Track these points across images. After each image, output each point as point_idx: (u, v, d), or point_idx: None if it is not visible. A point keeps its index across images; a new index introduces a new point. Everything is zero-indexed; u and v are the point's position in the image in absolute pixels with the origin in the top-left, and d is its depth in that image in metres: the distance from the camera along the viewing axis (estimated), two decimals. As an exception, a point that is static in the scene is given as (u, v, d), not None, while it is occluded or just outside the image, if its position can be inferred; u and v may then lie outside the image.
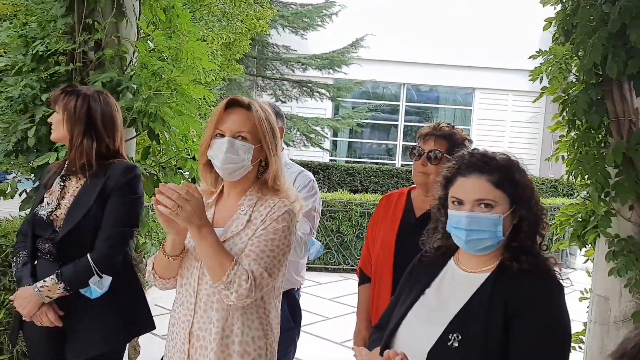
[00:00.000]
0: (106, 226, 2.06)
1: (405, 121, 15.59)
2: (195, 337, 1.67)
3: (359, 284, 2.50)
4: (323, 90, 12.69)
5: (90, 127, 2.10)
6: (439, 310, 1.45)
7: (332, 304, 5.94)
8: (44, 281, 2.01)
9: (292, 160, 2.91)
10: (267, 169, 1.74)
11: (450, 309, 1.43)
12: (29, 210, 2.85)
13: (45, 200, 2.15)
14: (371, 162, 14.71)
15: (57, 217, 2.08)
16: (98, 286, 1.99)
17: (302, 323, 5.05)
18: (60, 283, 1.99)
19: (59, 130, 2.12)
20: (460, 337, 1.36)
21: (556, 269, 1.44)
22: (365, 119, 14.03)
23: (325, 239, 7.41)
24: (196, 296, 1.68)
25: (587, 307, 3.43)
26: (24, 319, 2.07)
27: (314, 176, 2.82)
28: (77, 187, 2.11)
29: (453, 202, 1.45)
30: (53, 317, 2.03)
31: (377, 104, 15.01)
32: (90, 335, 2.08)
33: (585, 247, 3.43)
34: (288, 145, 12.34)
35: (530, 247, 1.44)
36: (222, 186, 1.82)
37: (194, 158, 3.02)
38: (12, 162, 2.93)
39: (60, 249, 2.05)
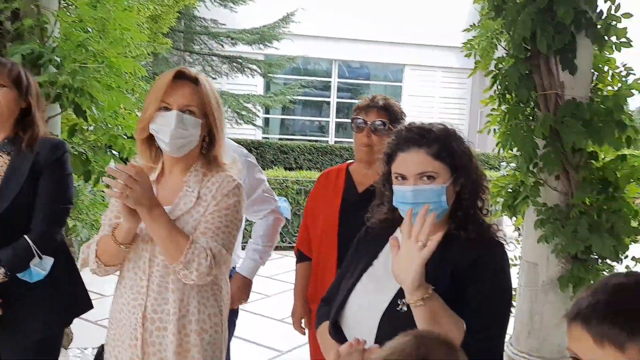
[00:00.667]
0: (41, 205, 1.93)
1: (337, 98, 15.64)
2: (150, 321, 1.61)
3: (297, 262, 2.49)
4: (254, 67, 12.45)
5: (34, 99, 1.98)
6: (388, 280, 1.45)
7: (270, 282, 5.93)
8: None
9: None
10: (211, 144, 1.69)
11: (395, 282, 1.44)
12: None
13: None
14: (304, 140, 14.69)
15: None
16: (40, 267, 1.87)
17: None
18: (0, 268, 1.85)
19: (10, 107, 1.94)
20: (408, 305, 1.37)
21: (499, 234, 1.48)
22: (297, 96, 13.94)
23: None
24: (148, 279, 1.62)
25: (517, 273, 3.61)
26: None
27: None
28: (2, 166, 1.95)
29: (396, 177, 1.46)
30: None
31: (309, 81, 14.94)
32: (30, 321, 1.96)
33: (516, 216, 3.59)
34: (219, 123, 12.10)
35: (474, 214, 1.47)
36: (163, 163, 1.75)
37: (126, 136, 2.87)
38: None
39: None
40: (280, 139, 14.65)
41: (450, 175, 1.44)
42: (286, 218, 2.66)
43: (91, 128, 2.96)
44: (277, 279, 6.01)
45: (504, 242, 1.48)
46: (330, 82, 15.54)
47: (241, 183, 1.73)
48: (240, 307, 4.93)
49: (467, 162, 1.47)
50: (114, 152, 2.95)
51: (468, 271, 1.39)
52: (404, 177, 1.44)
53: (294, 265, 2.51)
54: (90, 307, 2.16)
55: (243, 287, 2.44)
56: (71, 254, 2.16)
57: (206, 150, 1.72)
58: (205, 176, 1.70)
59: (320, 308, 1.68)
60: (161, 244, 1.59)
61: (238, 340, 4.13)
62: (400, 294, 1.41)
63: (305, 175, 7.85)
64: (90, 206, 3.11)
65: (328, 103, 15.78)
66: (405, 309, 1.38)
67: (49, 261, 1.91)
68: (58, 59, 2.60)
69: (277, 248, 7.57)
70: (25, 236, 1.89)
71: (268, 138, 14.87)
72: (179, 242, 1.56)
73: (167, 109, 1.63)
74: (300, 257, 2.46)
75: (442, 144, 1.44)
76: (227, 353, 2.60)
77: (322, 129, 16.26)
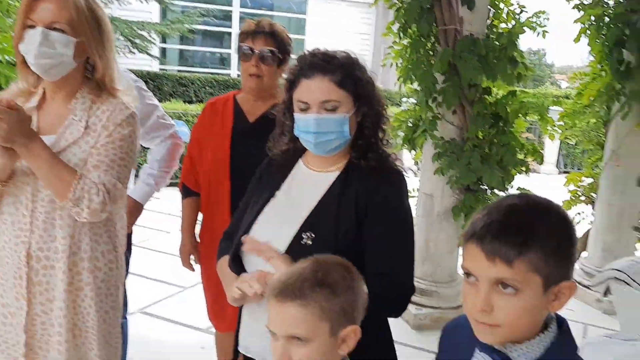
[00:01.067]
0: None
1: (239, 29, 15.09)
2: (36, 259, 1.49)
3: (183, 198, 2.38)
4: (148, -9, 11.58)
5: None
6: (291, 210, 1.43)
7: (172, 218, 5.78)
8: None
9: None
10: (94, 67, 1.53)
11: (302, 209, 1.42)
12: None
13: None
14: (205, 72, 14.11)
15: None
16: None
17: (142, 238, 4.88)
18: None
19: None
20: (313, 236, 1.36)
21: (398, 164, 1.49)
22: (197, 25, 13.23)
23: (161, 152, 7.08)
24: (31, 215, 1.48)
25: (415, 205, 3.77)
26: None
27: None
28: None
29: (299, 105, 1.40)
30: None
31: (209, 9, 14.18)
32: None
33: (415, 150, 3.71)
34: (111, 51, 11.26)
35: (375, 144, 1.46)
36: (44, 88, 1.57)
37: (2, 61, 2.55)
38: None
39: None
40: (179, 71, 13.97)
41: (354, 105, 1.40)
42: (186, 143, 2.49)
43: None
44: (178, 216, 5.85)
45: (402, 171, 1.48)
46: (231, 11, 14.87)
47: (135, 112, 1.60)
48: (142, 244, 4.81)
49: (370, 91, 1.44)
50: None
51: (371, 204, 1.39)
52: (306, 105, 1.39)
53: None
54: None
55: (133, 211, 2.27)
56: None
57: (91, 74, 1.55)
58: (94, 103, 1.55)
59: (222, 242, 1.63)
60: (45, 181, 1.46)
61: (139, 277, 4.02)
62: (304, 227, 1.39)
63: (206, 108, 7.60)
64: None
65: (229, 34, 15.16)
66: (310, 242, 1.37)
67: None
68: None
69: (175, 184, 7.39)
70: None
71: (166, 70, 14.10)
72: (65, 178, 1.44)
73: (32, 26, 1.45)
74: (187, 192, 2.33)
75: (346, 71, 1.39)
76: (124, 291, 2.51)
77: (224, 62, 15.68)
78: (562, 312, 0.98)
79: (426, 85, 3.21)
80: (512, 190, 3.50)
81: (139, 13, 12.33)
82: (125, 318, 2.57)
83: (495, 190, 3.52)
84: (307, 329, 1.04)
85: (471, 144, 3.27)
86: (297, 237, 1.38)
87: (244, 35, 2.13)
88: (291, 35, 2.26)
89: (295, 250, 1.35)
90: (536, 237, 0.89)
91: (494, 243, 0.89)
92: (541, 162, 3.47)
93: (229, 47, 15.28)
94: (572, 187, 4.35)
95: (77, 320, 1.57)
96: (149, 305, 3.62)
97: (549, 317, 0.96)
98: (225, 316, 2.22)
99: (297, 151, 1.51)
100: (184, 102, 9.02)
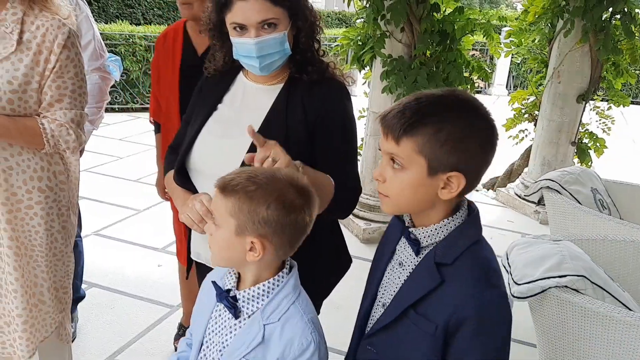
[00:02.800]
0: None
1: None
2: None
3: (155, 133, 2.38)
4: None
5: None
6: (235, 123, 1.44)
7: (123, 144, 5.71)
8: None
9: None
10: None
11: (246, 122, 1.44)
12: None
13: None
14: (153, -8, 13.41)
15: None
16: None
17: (93, 164, 4.84)
18: None
19: None
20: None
21: (337, 72, 1.52)
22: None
23: (109, 77, 6.86)
24: None
25: (364, 124, 3.84)
26: None
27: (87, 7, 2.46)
28: None
29: (235, 28, 1.37)
30: None
31: None
32: None
33: (364, 69, 3.73)
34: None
35: (312, 56, 1.47)
36: None
37: None
38: None
39: None
40: (125, -9, 13.24)
41: (289, 20, 1.40)
42: (115, 79, 2.46)
43: None
44: (129, 141, 5.80)
45: (342, 80, 1.52)
46: None
47: (74, 30, 1.54)
48: (96, 169, 4.77)
49: (303, 4, 1.44)
50: None
51: (317, 119, 1.43)
52: (243, 27, 1.36)
53: (146, 127, 2.39)
54: None
55: None
56: None
57: None
58: (27, 16, 1.48)
59: (167, 156, 1.65)
60: (18, 144, 1.49)
61: (93, 201, 4.04)
62: (254, 144, 1.42)
63: (154, 30, 7.27)
64: None
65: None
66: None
67: None
68: None
69: (127, 110, 7.23)
70: None
71: (111, -11, 13.36)
72: (32, 135, 1.48)
73: None
74: (158, 128, 2.34)
75: None
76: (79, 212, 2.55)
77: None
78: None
79: (374, 2, 3.19)
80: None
81: None
82: (80, 237, 2.63)
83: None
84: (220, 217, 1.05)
85: (418, 62, 3.31)
86: (251, 151, 1.41)
87: None
88: None
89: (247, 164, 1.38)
90: (428, 123, 0.96)
91: (390, 121, 0.98)
92: (487, 79, 3.56)
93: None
94: (516, 105, 4.49)
95: (20, 234, 1.58)
96: (104, 227, 3.66)
97: (460, 204, 1.06)
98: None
99: (236, 68, 1.52)
100: (131, 24, 8.62)
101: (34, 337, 1.64)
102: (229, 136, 1.44)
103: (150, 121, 2.40)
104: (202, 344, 1.15)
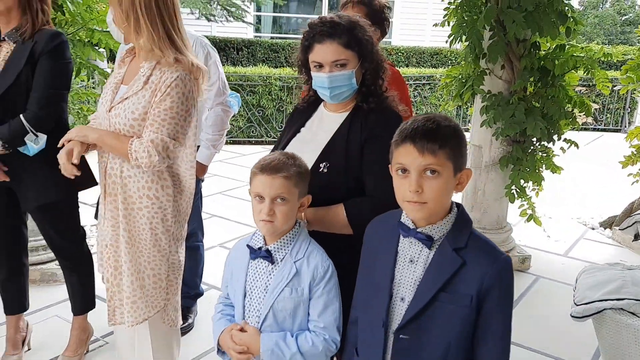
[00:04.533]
0: (37, 89, 2.21)
1: (329, -6, 15.33)
2: (108, 176, 1.99)
3: None
4: (242, -39, 12.13)
5: None
6: (311, 143, 1.79)
7: (246, 170, 6.36)
8: None
9: (216, 37, 3.05)
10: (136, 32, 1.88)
11: (319, 142, 1.78)
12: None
13: None
14: (296, 38, 14.55)
15: None
16: (34, 142, 2.18)
17: (227, 188, 5.49)
18: None
19: (6, 1, 2.17)
20: (328, 165, 1.71)
21: (394, 104, 1.81)
22: (289, -8, 13.64)
23: (247, 113, 7.66)
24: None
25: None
26: None
27: (238, 54, 2.99)
28: (7, 53, 2.22)
29: (314, 65, 1.74)
30: None
31: (301, -24, 14.53)
32: (29, 190, 2.33)
33: (466, 105, 3.91)
34: (209, 20, 12.00)
35: (375, 90, 1.79)
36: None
37: (101, 29, 3.11)
38: None
39: None
40: (272, 38, 14.54)
41: (358, 61, 1.73)
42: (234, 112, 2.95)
43: (68, 22, 3.19)
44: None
45: (398, 112, 1.79)
46: (322, -23, 15.14)
47: (184, 75, 1.85)
48: (225, 192, 5.42)
49: (370, 48, 1.76)
50: (98, 49, 3.21)
51: (367, 137, 1.72)
52: (320, 65, 1.72)
53: None
54: (94, 183, 2.42)
55: (199, 171, 2.77)
56: None
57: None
58: (159, 64, 1.89)
59: None
60: (116, 154, 1.93)
61: (221, 219, 4.63)
62: (320, 158, 1.74)
63: (288, 72, 8.03)
64: (74, 95, 3.42)
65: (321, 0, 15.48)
66: (325, 170, 1.73)
67: (43, 138, 2.22)
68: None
69: (261, 143, 7.95)
70: (21, 115, 2.19)
71: (260, 37, 14.76)
72: (122, 148, 1.86)
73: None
74: None
75: (351, 34, 1.71)
76: (201, 223, 3.04)
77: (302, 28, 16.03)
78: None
79: (472, 42, 3.39)
80: (560, 143, 3.62)
81: (233, -17, 12.89)
82: (202, 242, 3.12)
83: (545, 143, 3.66)
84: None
85: (517, 97, 3.43)
86: (316, 166, 1.73)
87: (340, 6, 2.44)
88: None
89: (314, 176, 1.69)
90: (447, 137, 1.26)
91: (422, 141, 1.25)
92: (588, 114, 3.53)
93: (321, 13, 15.58)
94: (635, 141, 4.30)
95: (132, 229, 1.96)
96: (228, 241, 4.19)
97: (452, 204, 1.31)
98: None
99: (318, 98, 1.88)
100: (275, 67, 9.54)
101: (135, 313, 1.99)
102: (303, 152, 1.75)
103: None
104: (245, 294, 1.51)
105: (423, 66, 12.13)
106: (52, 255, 3.40)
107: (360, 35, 1.73)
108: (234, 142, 7.72)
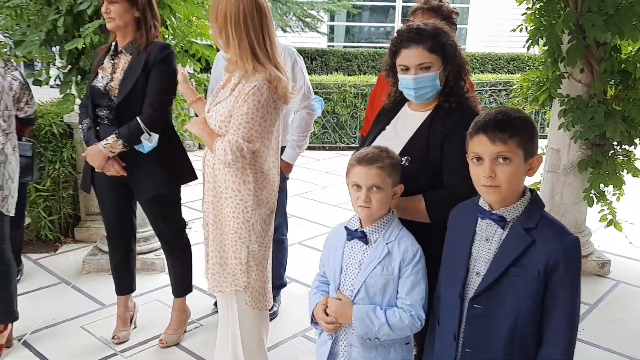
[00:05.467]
0: (150, 94, 2.54)
1: (403, 1, 15.41)
2: (206, 167, 2.22)
3: None
4: (318, -29, 12.47)
5: (145, 10, 2.54)
6: (394, 139, 1.96)
7: (328, 176, 6.60)
8: (106, 140, 2.53)
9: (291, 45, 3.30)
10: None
11: (402, 138, 1.95)
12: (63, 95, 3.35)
13: (99, 75, 2.61)
14: (369, 47, 14.74)
15: (112, 87, 2.56)
16: (148, 141, 2.51)
17: (304, 190, 5.75)
18: (119, 140, 2.51)
19: (124, 18, 2.50)
20: (410, 159, 1.87)
21: (474, 104, 1.94)
22: (363, 1, 13.88)
23: (322, 120, 7.91)
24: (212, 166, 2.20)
25: (544, 160, 4.00)
26: (95, 171, 2.62)
27: (312, 63, 3.21)
28: (125, 63, 2.57)
29: (401, 68, 1.91)
30: (118, 167, 2.58)
31: (375, -15, 14.71)
32: (143, 183, 2.65)
33: (543, 110, 3.93)
34: (285, 30, 12.42)
35: (457, 90, 1.93)
36: None
37: (199, 41, 3.42)
38: (43, 54, 3.35)
39: (116, 113, 2.55)
40: (344, 47, 14.80)
41: (442, 64, 1.89)
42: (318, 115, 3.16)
43: (170, 37, 3.53)
44: (333, 174, 6.68)
45: (478, 111, 1.92)
46: (395, -15, 15.25)
47: (262, 85, 2.02)
48: (302, 194, 5.67)
49: (453, 51, 1.91)
50: (192, 57, 3.54)
51: (447, 135, 1.86)
52: (406, 68, 1.89)
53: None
54: (194, 177, 2.76)
55: (285, 168, 3.00)
56: (176, 133, 2.77)
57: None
58: (247, 74, 2.05)
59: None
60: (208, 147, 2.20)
61: (299, 219, 4.87)
62: (403, 153, 1.90)
63: (363, 79, 8.22)
64: (178, 100, 3.75)
65: (394, 7, 15.59)
66: (407, 164, 1.89)
67: (155, 137, 2.54)
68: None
69: (335, 149, 8.19)
70: (137, 117, 2.52)
71: (333, 46, 15.06)
72: (210, 144, 2.12)
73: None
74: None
75: (436, 40, 1.87)
76: (285, 217, 3.27)
77: (388, 35, 16.13)
78: None
79: (551, 45, 3.43)
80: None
81: (309, -7, 13.26)
82: (285, 236, 3.35)
83: (625, 146, 3.63)
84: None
85: (596, 101, 3.43)
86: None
87: (409, 14, 2.63)
88: (456, 5, 2.70)
89: None
90: (517, 126, 1.41)
91: (494, 131, 1.41)
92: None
93: (394, 21, 15.70)
94: None
95: (218, 213, 2.20)
96: (306, 239, 4.42)
97: (525, 188, 1.46)
98: None
99: (403, 98, 2.05)
100: (347, 75, 9.77)
101: (214, 283, 2.22)
102: (388, 146, 1.93)
103: (360, 137, 3.00)
104: (341, 270, 1.71)
105: (499, 72, 11.98)
106: (151, 246, 3.76)
107: (445, 40, 1.88)
108: (309, 148, 7.95)
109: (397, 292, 1.69)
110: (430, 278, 1.72)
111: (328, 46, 14.68)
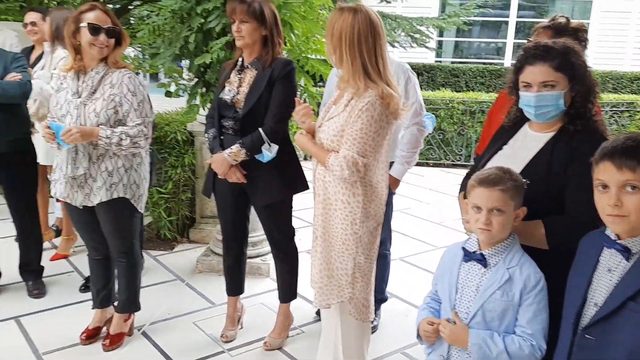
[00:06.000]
0: (273, 107, 2.69)
1: (518, 17, 14.87)
2: (317, 180, 2.32)
3: None
4: (429, -13, 12.39)
5: (271, 28, 2.70)
6: (511, 159, 1.91)
7: (432, 193, 6.51)
8: (231, 149, 2.70)
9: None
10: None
11: (521, 159, 1.88)
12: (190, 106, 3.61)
13: (227, 88, 2.80)
14: (478, 62, 14.37)
15: (238, 100, 2.73)
16: (269, 151, 2.66)
17: (402, 206, 5.73)
18: (242, 149, 2.68)
19: (253, 36, 2.67)
20: (529, 182, 1.81)
21: (602, 127, 1.85)
22: (473, 17, 13.57)
23: (428, 136, 7.81)
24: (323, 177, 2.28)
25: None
26: (217, 178, 2.81)
27: (418, 78, 3.23)
28: (251, 78, 2.74)
29: (523, 85, 1.86)
30: (240, 175, 2.75)
31: (487, 0, 14.35)
32: (261, 190, 2.80)
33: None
34: (393, 46, 12.45)
35: (584, 113, 1.84)
36: None
37: (315, 57, 3.55)
38: (169, 67, 3.64)
39: (241, 125, 2.72)
40: (452, 62, 14.55)
41: (569, 83, 1.81)
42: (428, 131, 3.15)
43: (285, 53, 3.68)
44: (437, 191, 6.57)
45: (606, 136, 1.81)
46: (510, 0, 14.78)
47: (374, 101, 2.08)
48: (403, 210, 5.65)
49: (582, 72, 1.83)
50: (306, 70, 3.68)
51: (572, 158, 1.78)
52: (529, 85, 1.84)
53: (455, 181, 2.95)
54: (306, 187, 2.87)
55: (392, 184, 3.01)
56: (293, 145, 2.88)
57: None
58: (358, 90, 2.13)
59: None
60: (318, 162, 2.28)
61: (401, 235, 4.86)
62: (523, 174, 1.82)
63: (471, 96, 8.02)
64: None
65: (507, 23, 15.10)
66: (525, 187, 1.83)
67: (275, 147, 2.68)
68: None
69: (439, 165, 8.06)
70: (260, 129, 2.67)
71: (440, 61, 14.86)
72: (322, 159, 2.19)
73: None
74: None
75: (564, 58, 1.80)
76: (390, 231, 3.28)
77: (499, 51, 15.64)
78: None
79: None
80: None
81: (419, 9, 13.27)
82: (389, 251, 3.36)
83: None
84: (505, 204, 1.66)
85: None
86: None
87: (533, 32, 2.57)
88: (576, 20, 2.61)
89: None
90: None
91: (621, 158, 1.35)
92: None
93: (505, 37, 15.20)
94: None
95: (327, 225, 2.26)
96: (408, 255, 4.40)
97: None
98: None
99: (523, 118, 2.00)
100: (454, 91, 9.58)
101: (321, 297, 2.28)
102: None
103: (474, 157, 2.97)
104: (456, 291, 1.69)
105: (621, 92, 11.19)
106: (258, 251, 3.94)
107: (574, 59, 1.81)
108: (413, 164, 7.93)
109: (516, 320, 1.65)
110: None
111: (436, 61, 14.50)
